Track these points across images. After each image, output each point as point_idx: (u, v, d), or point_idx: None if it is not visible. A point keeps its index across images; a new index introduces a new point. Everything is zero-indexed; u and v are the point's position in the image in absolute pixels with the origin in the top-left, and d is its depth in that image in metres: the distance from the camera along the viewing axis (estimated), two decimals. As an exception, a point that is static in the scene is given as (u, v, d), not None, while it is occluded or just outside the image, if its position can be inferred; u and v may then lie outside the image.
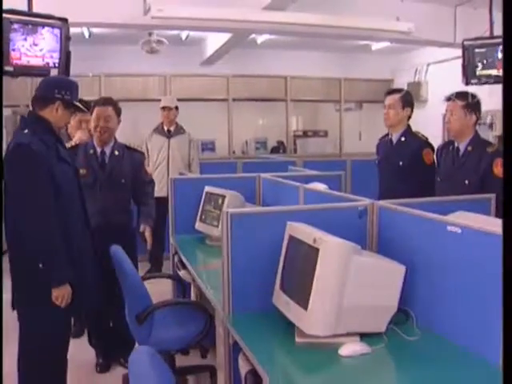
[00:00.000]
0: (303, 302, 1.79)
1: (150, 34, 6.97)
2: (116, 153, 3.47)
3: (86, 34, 6.91)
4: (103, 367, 3.49)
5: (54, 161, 2.64)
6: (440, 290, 1.92)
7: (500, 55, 5.79)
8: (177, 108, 5.64)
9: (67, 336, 2.86)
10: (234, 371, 2.14)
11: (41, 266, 2.52)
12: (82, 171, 3.31)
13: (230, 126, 8.62)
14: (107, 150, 3.47)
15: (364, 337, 1.85)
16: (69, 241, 2.64)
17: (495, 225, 1.86)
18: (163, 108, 5.59)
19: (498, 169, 3.03)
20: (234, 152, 8.75)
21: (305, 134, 9.76)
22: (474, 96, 3.31)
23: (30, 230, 2.52)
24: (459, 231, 1.81)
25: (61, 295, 2.57)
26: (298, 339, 1.86)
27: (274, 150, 9.26)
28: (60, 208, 2.61)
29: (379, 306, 1.86)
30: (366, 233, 2.27)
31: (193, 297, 3.63)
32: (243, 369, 1.92)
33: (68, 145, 3.91)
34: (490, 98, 6.35)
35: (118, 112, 3.50)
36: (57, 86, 2.73)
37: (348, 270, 1.77)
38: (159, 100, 5.87)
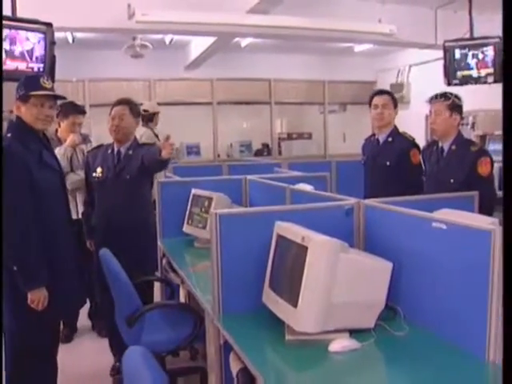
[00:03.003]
0: (292, 299, 1.82)
1: (134, 39, 6.98)
2: (130, 152, 3.50)
3: (70, 39, 6.89)
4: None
5: (35, 165, 2.63)
6: (426, 285, 1.95)
7: (480, 56, 5.90)
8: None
9: (53, 339, 2.86)
10: (225, 371, 2.16)
11: (15, 268, 2.53)
12: (99, 170, 3.45)
13: (215, 129, 8.65)
14: (123, 150, 3.50)
15: (353, 333, 1.88)
16: (48, 244, 2.65)
17: (479, 221, 1.91)
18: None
19: (482, 168, 3.10)
20: (218, 155, 8.78)
21: (289, 137, 9.81)
22: (457, 96, 3.37)
23: (5, 231, 2.49)
24: (444, 227, 1.85)
25: (36, 298, 2.57)
26: (288, 337, 1.88)
27: (259, 153, 9.28)
28: (39, 211, 2.61)
29: (367, 303, 1.89)
30: (353, 231, 2.30)
31: (181, 299, 3.64)
32: (234, 368, 1.94)
33: (62, 150, 3.95)
34: (472, 98, 6.48)
35: (135, 112, 3.55)
36: (16, 89, 2.72)
37: (336, 267, 1.80)
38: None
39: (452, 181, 3.19)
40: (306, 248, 1.81)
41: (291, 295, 1.84)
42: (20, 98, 2.67)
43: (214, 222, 2.14)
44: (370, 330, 1.90)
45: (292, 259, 1.91)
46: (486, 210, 2.69)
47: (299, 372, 1.75)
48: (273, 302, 1.99)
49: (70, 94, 6.92)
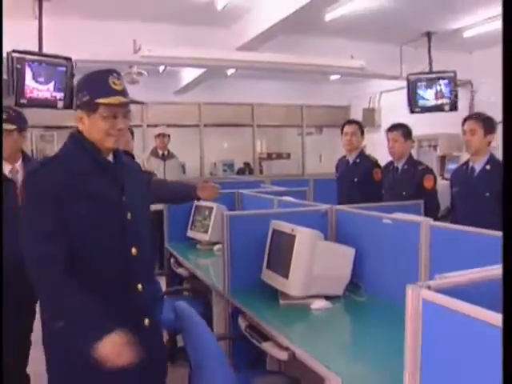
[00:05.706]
0: (285, 273, 2.57)
1: (131, 67, 7.69)
2: None
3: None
4: None
5: (72, 195, 1.85)
6: (380, 265, 2.72)
7: (439, 87, 6.78)
8: (169, 136, 6.49)
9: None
10: (231, 332, 2.87)
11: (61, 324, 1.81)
12: None
13: (202, 149, 9.40)
14: None
15: (327, 298, 2.62)
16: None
17: (416, 218, 2.69)
18: (158, 135, 6.40)
19: (427, 183, 3.91)
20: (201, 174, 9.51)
21: (269, 157, 10.61)
22: (407, 126, 4.19)
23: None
24: (390, 222, 2.63)
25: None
26: (281, 301, 2.62)
27: (240, 172, 10.02)
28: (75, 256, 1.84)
29: (337, 276, 2.65)
30: (328, 228, 3.07)
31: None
32: (242, 325, 2.64)
33: None
34: (433, 123, 7.35)
35: None
36: (75, 94, 2.00)
37: (315, 250, 2.56)
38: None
39: (404, 193, 3.99)
40: (295, 236, 2.57)
41: (284, 270, 2.59)
42: (82, 105, 1.92)
43: (224, 220, 2.88)
44: (339, 297, 2.66)
45: (284, 245, 2.66)
46: (431, 215, 3.47)
47: (292, 323, 2.48)
48: (270, 277, 2.73)
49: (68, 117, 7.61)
